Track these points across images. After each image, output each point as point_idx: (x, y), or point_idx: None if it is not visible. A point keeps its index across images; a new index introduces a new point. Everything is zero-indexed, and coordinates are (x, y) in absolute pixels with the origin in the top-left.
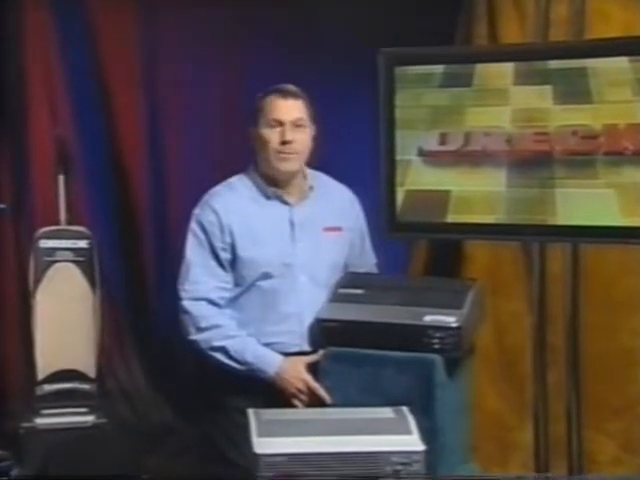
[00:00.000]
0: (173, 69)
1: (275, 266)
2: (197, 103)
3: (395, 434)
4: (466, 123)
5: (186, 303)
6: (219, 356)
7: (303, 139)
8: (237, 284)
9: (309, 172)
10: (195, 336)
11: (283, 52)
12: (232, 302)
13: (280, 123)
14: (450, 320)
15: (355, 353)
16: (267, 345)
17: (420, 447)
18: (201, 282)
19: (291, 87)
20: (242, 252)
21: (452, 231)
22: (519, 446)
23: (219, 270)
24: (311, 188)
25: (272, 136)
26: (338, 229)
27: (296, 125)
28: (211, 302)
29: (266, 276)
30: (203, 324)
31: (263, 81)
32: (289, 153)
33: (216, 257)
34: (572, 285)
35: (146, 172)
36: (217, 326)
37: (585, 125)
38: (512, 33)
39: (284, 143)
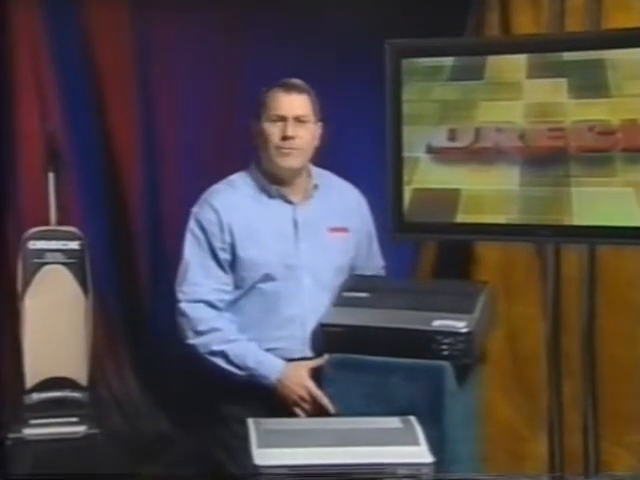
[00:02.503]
0: (168, 63)
1: (277, 268)
2: (194, 97)
3: (402, 445)
4: (477, 118)
5: (184, 305)
6: (218, 361)
7: (306, 135)
8: (237, 286)
9: (314, 170)
10: (193, 340)
11: (284, 45)
12: (232, 305)
13: (282, 118)
14: (460, 325)
15: (360, 360)
16: (268, 350)
17: (428, 459)
18: (199, 284)
19: (297, 81)
20: (242, 252)
21: (462, 232)
22: (532, 458)
23: (218, 271)
24: (316, 187)
25: (273, 131)
26: (344, 230)
27: (299, 121)
28: (210, 304)
29: (267, 278)
30: (201, 327)
31: (263, 75)
32: (290, 149)
33: (215, 257)
34: (588, 289)
35: (140, 169)
36: (216, 329)
37: (602, 120)
38: (525, 23)
39: (285, 138)
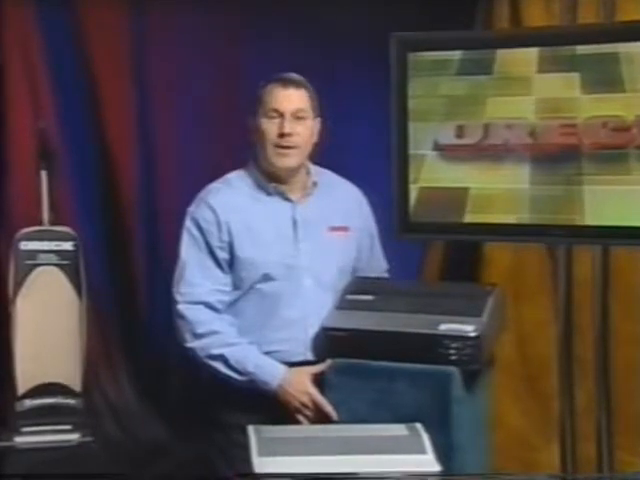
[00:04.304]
0: (165, 57)
1: (276, 268)
2: (192, 93)
3: (408, 453)
4: (486, 114)
5: (181, 307)
6: (217, 365)
7: (304, 132)
8: (236, 287)
9: (313, 167)
10: (191, 343)
11: (283, 41)
12: (230, 307)
13: (279, 114)
14: (468, 329)
15: (364, 365)
16: (268, 354)
17: (435, 467)
18: (197, 284)
19: (294, 76)
20: (241, 252)
21: (470, 232)
22: (544, 468)
23: (217, 271)
24: (315, 184)
25: (270, 128)
26: (345, 229)
27: (297, 117)
28: (209, 306)
29: (267, 278)
30: (200, 330)
31: (262, 72)
32: (288, 147)
33: (213, 257)
34: (602, 291)
35: (136, 167)
36: (215, 332)
37: (616, 116)
38: (536, 15)
39: (282, 135)
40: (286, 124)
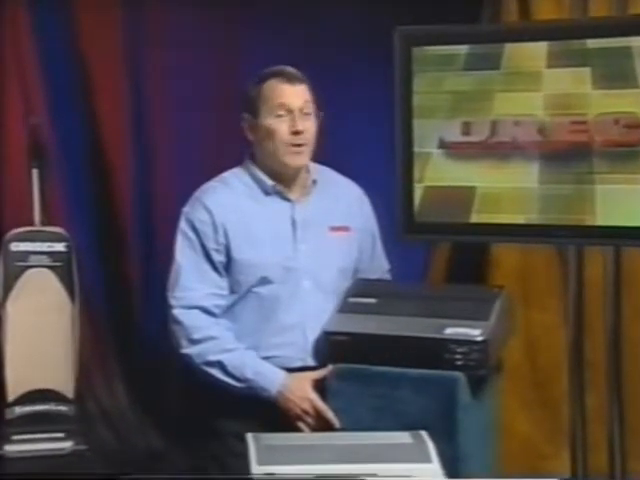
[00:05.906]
0: (160, 52)
1: (275, 270)
2: (187, 90)
3: (413, 462)
4: (493, 111)
5: (177, 312)
6: (214, 372)
7: (312, 128)
8: (232, 290)
9: (312, 165)
10: (187, 349)
11: (283, 35)
12: (227, 311)
13: (289, 111)
14: (475, 333)
15: (367, 370)
16: (266, 359)
17: (441, 477)
18: (193, 288)
19: (291, 69)
20: (238, 254)
21: (477, 232)
22: (554, 476)
23: (213, 275)
24: (314, 182)
25: (280, 126)
26: (345, 229)
27: (304, 112)
28: (205, 311)
29: (265, 281)
30: (196, 336)
31: (259, 65)
32: (301, 145)
33: (209, 260)
34: (614, 294)
35: (130, 166)
36: (212, 338)
37: (629, 112)
38: (546, 8)
39: (296, 133)
40: (298, 121)
